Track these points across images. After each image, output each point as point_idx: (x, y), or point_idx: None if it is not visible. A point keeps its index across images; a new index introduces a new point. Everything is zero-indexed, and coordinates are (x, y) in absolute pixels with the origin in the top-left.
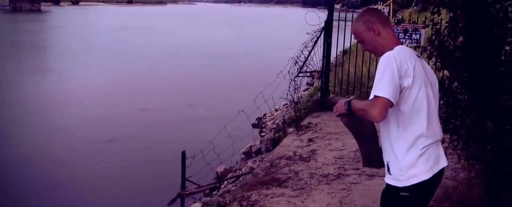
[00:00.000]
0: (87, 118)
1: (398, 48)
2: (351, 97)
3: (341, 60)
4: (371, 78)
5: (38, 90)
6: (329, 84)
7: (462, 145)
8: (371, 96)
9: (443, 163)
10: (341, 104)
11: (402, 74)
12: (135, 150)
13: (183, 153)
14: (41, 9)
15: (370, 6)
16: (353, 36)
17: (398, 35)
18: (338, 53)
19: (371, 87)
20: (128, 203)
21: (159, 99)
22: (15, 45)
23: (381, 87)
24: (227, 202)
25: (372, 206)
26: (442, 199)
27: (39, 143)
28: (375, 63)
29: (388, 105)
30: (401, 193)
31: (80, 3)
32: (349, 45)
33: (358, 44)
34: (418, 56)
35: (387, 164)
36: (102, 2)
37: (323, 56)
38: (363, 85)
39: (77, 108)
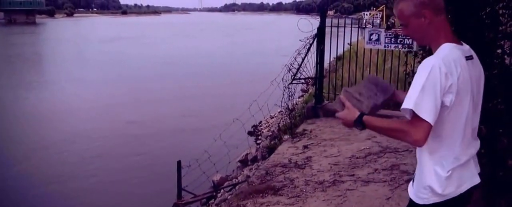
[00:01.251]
0: (80, 130)
1: (445, 50)
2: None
3: (335, 66)
4: None
5: (27, 104)
6: (324, 91)
7: None
8: (407, 109)
9: (474, 180)
10: (349, 120)
11: (445, 91)
12: (130, 161)
13: (179, 163)
14: (36, 22)
15: None
16: (396, 15)
17: (390, 40)
18: (332, 59)
19: None
20: None
21: (152, 110)
22: (8, 59)
23: (426, 109)
24: None
25: None
26: None
27: (30, 157)
28: (369, 69)
29: (430, 128)
30: None
31: (75, 15)
32: (342, 51)
33: (349, 49)
34: (467, 58)
35: (414, 176)
36: (97, 13)
37: (316, 63)
38: None
39: (69, 121)
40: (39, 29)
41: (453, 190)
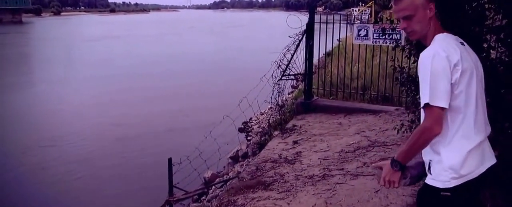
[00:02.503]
0: (69, 130)
1: (440, 39)
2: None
3: (324, 62)
4: (353, 79)
5: (14, 106)
6: (313, 87)
7: None
8: (422, 104)
9: (491, 161)
10: (388, 171)
11: (452, 70)
12: (121, 160)
13: (170, 160)
14: (23, 21)
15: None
16: (400, 7)
17: (378, 35)
18: (322, 55)
19: (354, 88)
20: None
21: (142, 109)
22: None
23: (439, 96)
24: None
25: (357, 205)
26: None
27: (20, 158)
28: (358, 64)
29: (443, 113)
30: (442, 193)
31: (62, 13)
32: (332, 47)
33: (340, 42)
34: (462, 43)
35: (429, 163)
36: (84, 11)
37: (306, 59)
38: (347, 86)
39: (58, 122)
40: (26, 28)
41: (473, 169)
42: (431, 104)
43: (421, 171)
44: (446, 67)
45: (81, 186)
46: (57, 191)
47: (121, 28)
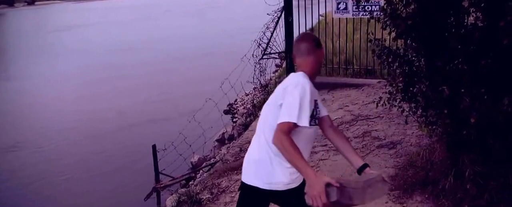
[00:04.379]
0: (49, 124)
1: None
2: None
3: None
4: (336, 54)
5: None
6: (295, 64)
7: (421, 112)
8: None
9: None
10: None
11: None
12: (105, 151)
13: (154, 147)
14: None
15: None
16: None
17: (358, 8)
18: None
19: (337, 63)
20: (105, 204)
21: (123, 98)
22: None
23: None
24: (198, 191)
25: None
26: (406, 166)
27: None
28: (340, 39)
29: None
30: None
31: (36, 3)
32: (312, 23)
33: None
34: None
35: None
36: (59, 0)
37: (286, 36)
38: (330, 61)
39: (37, 116)
40: None
41: None
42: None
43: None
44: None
45: (65, 178)
46: (39, 183)
47: (95, 15)
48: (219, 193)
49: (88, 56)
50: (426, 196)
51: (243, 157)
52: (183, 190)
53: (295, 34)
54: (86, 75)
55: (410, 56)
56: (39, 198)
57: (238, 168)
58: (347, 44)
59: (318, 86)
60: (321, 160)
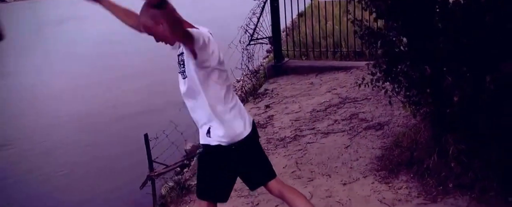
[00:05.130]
0: (43, 118)
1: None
2: None
3: (298, 23)
4: (325, 37)
5: None
6: (286, 48)
7: (405, 92)
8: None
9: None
10: None
11: None
12: (97, 143)
13: (146, 136)
14: None
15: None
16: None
17: None
18: (295, 16)
19: (325, 47)
20: (100, 196)
21: (107, 92)
22: None
23: None
24: (187, 177)
25: (327, 162)
26: (392, 146)
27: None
28: (326, 22)
29: None
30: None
31: None
32: (304, 7)
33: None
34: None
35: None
36: None
37: (272, 21)
38: (318, 45)
39: (32, 109)
40: None
41: None
42: None
43: None
44: None
45: (64, 180)
46: (35, 176)
47: (90, 8)
48: None
49: (81, 48)
50: (411, 175)
51: None
52: (178, 177)
53: (282, 19)
54: (79, 68)
55: (391, 36)
56: (38, 194)
57: None
58: (335, 27)
59: (306, 70)
60: (309, 143)
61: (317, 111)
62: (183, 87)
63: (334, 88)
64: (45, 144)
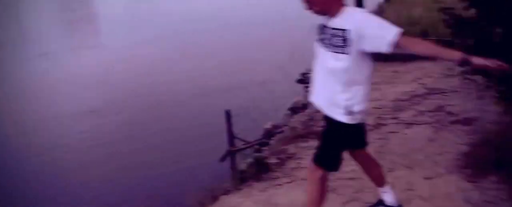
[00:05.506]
0: (121, 92)
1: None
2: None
3: (384, 8)
4: (411, 23)
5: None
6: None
7: (497, 87)
8: (394, 36)
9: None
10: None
11: None
12: (177, 119)
13: (227, 112)
14: None
15: None
16: None
17: None
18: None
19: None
20: (180, 165)
21: (190, 67)
22: (68, 22)
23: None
24: (266, 156)
25: (409, 154)
26: (481, 144)
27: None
28: (418, 8)
29: None
30: None
31: None
32: None
33: None
34: None
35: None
36: None
37: (356, 6)
38: (405, 32)
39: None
40: None
41: None
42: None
43: None
44: None
45: (139, 147)
46: (115, 152)
47: None
48: (285, 159)
49: (162, 25)
50: (500, 176)
51: (312, 126)
52: (256, 154)
53: (367, 3)
54: (159, 44)
55: (483, 26)
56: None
57: (306, 136)
58: (424, 14)
59: (390, 57)
60: (390, 132)
61: (401, 100)
62: (334, 63)
63: (420, 78)
64: (127, 115)
